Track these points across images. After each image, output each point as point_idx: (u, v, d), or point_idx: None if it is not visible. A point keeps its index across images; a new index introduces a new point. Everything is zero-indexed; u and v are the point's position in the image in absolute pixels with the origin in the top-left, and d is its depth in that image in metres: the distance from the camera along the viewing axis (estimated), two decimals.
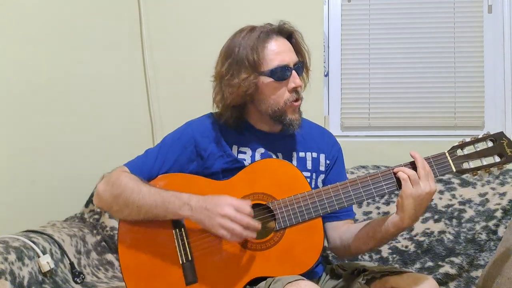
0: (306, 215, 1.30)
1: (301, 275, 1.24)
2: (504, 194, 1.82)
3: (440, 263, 1.77)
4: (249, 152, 1.43)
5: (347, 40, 2.24)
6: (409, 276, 1.25)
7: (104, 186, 1.37)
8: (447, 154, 1.29)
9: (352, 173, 1.94)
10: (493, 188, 1.85)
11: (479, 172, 1.29)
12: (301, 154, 1.46)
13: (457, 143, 1.31)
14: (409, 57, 2.21)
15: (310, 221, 1.30)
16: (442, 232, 1.81)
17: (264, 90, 1.36)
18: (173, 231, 1.34)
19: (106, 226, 1.95)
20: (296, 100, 1.38)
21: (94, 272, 1.81)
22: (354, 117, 2.25)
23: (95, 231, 1.95)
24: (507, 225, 1.76)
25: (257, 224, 1.23)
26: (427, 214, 1.84)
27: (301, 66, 1.39)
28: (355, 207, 1.86)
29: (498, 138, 1.29)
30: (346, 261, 1.74)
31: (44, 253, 1.59)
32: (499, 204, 1.81)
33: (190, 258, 1.31)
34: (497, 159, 1.28)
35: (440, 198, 1.86)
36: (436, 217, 1.84)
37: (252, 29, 1.38)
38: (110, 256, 1.92)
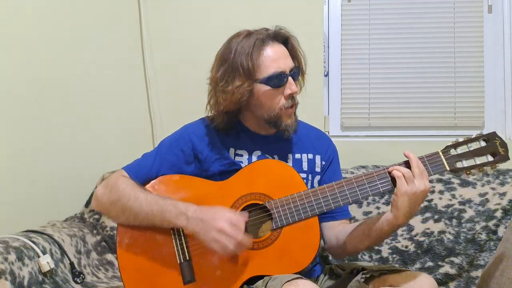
0: (302, 214, 1.31)
1: (299, 274, 1.24)
2: (504, 194, 1.82)
3: (440, 263, 1.77)
4: (245, 154, 1.44)
5: (347, 40, 2.24)
6: (408, 274, 1.25)
7: (103, 190, 1.38)
8: (440, 153, 1.31)
9: (352, 173, 1.93)
10: (493, 188, 1.85)
11: (472, 171, 1.30)
12: (297, 155, 1.47)
13: (450, 143, 1.33)
14: (409, 57, 2.21)
15: (306, 220, 1.31)
16: (442, 232, 1.81)
17: (260, 97, 1.36)
18: (171, 231, 1.34)
19: (106, 226, 1.95)
20: (291, 107, 1.38)
21: (94, 272, 1.81)
22: (354, 117, 2.25)
23: (95, 231, 1.95)
24: (507, 225, 1.76)
25: (249, 242, 1.25)
26: (427, 214, 1.84)
27: (297, 72, 1.39)
28: (355, 207, 1.87)
29: (491, 138, 1.31)
30: (346, 261, 1.74)
31: (44, 253, 1.59)
32: (499, 204, 1.81)
33: (188, 258, 1.32)
34: (490, 158, 1.30)
35: (440, 198, 1.86)
36: (436, 217, 1.84)
37: (248, 34, 1.37)
38: (110, 256, 1.92)
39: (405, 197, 1.23)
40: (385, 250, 1.82)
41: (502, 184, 1.84)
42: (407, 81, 2.21)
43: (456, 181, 1.88)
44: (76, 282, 1.69)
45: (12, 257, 1.46)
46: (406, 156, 1.28)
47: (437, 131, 2.21)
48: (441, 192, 1.87)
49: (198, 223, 1.26)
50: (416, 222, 1.83)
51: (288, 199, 1.32)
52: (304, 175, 1.44)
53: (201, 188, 1.37)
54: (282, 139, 1.44)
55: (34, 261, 1.55)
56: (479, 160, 1.30)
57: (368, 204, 1.88)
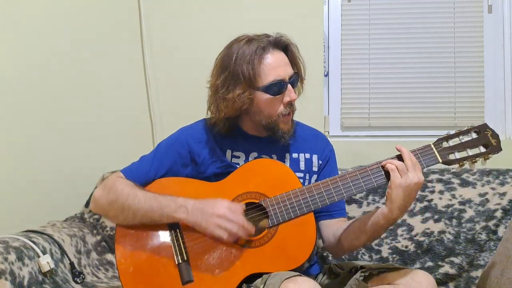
0: (298, 210, 1.32)
1: (298, 272, 1.25)
2: (504, 194, 1.82)
3: (440, 263, 1.77)
4: (242, 156, 1.45)
5: (347, 40, 2.24)
6: (406, 272, 1.26)
7: (101, 192, 1.40)
8: (432, 146, 1.32)
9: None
10: (493, 188, 1.85)
11: (465, 162, 1.31)
12: (294, 155, 1.48)
13: (442, 136, 1.34)
14: (409, 57, 2.21)
15: (302, 216, 1.32)
16: (442, 232, 1.81)
17: (259, 104, 1.38)
18: (169, 232, 1.36)
19: (106, 226, 1.95)
20: (289, 114, 1.40)
21: (94, 272, 1.81)
22: (354, 117, 2.25)
23: (95, 231, 1.95)
24: (507, 225, 1.76)
25: (251, 225, 1.28)
26: (427, 214, 1.84)
27: (296, 79, 1.41)
28: (355, 207, 1.87)
29: (482, 129, 1.32)
30: (345, 261, 1.74)
31: (44, 253, 1.59)
32: (499, 204, 1.81)
33: (186, 258, 1.32)
34: (483, 149, 1.31)
35: (440, 198, 1.86)
36: (436, 217, 1.84)
37: (249, 40, 1.37)
38: (110, 256, 1.92)
39: (399, 190, 1.24)
40: (385, 250, 1.82)
41: (502, 184, 1.84)
42: (407, 81, 2.21)
43: (456, 181, 1.88)
44: (76, 282, 1.69)
45: (12, 257, 1.46)
46: (398, 150, 1.30)
47: (437, 131, 2.21)
48: (441, 192, 1.87)
49: (198, 213, 1.29)
50: (416, 222, 1.84)
51: (284, 197, 1.33)
52: (301, 175, 1.46)
53: (197, 189, 1.38)
54: (279, 140, 1.44)
55: (34, 261, 1.55)
56: (471, 152, 1.31)
57: (368, 204, 1.88)
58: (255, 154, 1.45)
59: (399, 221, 1.50)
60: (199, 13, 2.23)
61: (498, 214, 1.80)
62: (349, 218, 1.59)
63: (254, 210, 1.35)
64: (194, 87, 2.19)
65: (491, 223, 1.79)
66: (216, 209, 1.28)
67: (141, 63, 2.26)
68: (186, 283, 1.31)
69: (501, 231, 1.77)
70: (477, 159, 1.31)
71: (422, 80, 2.20)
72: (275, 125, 1.40)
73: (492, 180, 1.86)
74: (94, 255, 1.88)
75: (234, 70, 1.35)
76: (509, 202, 1.80)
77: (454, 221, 1.82)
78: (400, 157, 1.29)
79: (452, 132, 1.34)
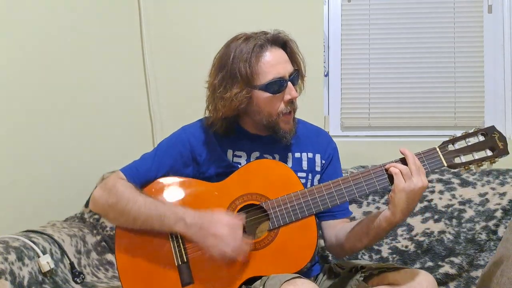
0: (299, 213, 1.31)
1: (298, 273, 1.24)
2: (504, 194, 1.82)
3: (440, 263, 1.77)
4: (244, 156, 1.44)
5: (347, 40, 2.24)
6: (407, 271, 1.26)
7: (100, 192, 1.38)
8: (437, 149, 1.30)
9: (352, 173, 1.93)
10: (493, 188, 1.85)
11: (471, 166, 1.28)
12: (297, 154, 1.46)
13: (447, 138, 1.31)
14: (409, 57, 2.21)
15: (303, 219, 1.31)
16: (442, 232, 1.81)
17: (258, 102, 1.35)
18: (169, 233, 1.34)
19: (106, 226, 1.95)
20: (290, 112, 1.38)
21: (94, 272, 1.81)
22: (354, 117, 2.25)
23: (95, 231, 1.95)
24: (507, 225, 1.76)
25: (247, 248, 1.26)
26: (427, 214, 1.84)
27: (297, 76, 1.38)
28: (355, 207, 1.87)
29: (489, 132, 1.29)
30: (345, 260, 1.74)
31: (44, 253, 1.59)
32: (499, 204, 1.81)
33: (185, 260, 1.32)
34: (489, 152, 1.28)
35: (440, 198, 1.86)
36: (436, 217, 1.84)
37: (247, 38, 1.35)
38: (110, 256, 1.92)
39: (402, 194, 1.22)
40: (385, 250, 1.82)
41: (502, 184, 1.84)
42: (407, 81, 2.21)
43: (456, 181, 1.88)
44: (76, 282, 1.69)
45: (12, 257, 1.46)
46: (402, 153, 1.28)
47: (437, 131, 2.21)
48: (441, 192, 1.87)
49: (196, 230, 1.27)
50: (416, 222, 1.84)
51: (285, 199, 1.32)
52: (304, 174, 1.44)
53: (198, 189, 1.37)
54: (280, 140, 1.43)
55: (34, 261, 1.55)
56: (477, 155, 1.28)
57: (368, 204, 1.88)
58: (257, 153, 1.43)
59: None
60: (199, 13, 2.23)
61: (498, 214, 1.80)
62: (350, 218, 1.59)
63: (255, 212, 1.34)
64: (194, 87, 2.18)
65: (491, 223, 1.79)
66: (214, 228, 1.25)
67: (141, 63, 2.26)
68: (186, 285, 1.31)
69: (501, 231, 1.77)
70: (483, 162, 1.28)
71: (422, 80, 2.20)
72: (276, 125, 1.37)
73: (492, 180, 1.86)
74: (94, 255, 1.88)
75: (231, 69, 1.33)
76: (509, 202, 1.80)
77: (454, 221, 1.82)
78: (404, 160, 1.27)
79: (458, 134, 1.31)
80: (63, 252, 1.70)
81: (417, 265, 1.79)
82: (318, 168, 1.48)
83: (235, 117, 1.42)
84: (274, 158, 1.44)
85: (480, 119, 2.18)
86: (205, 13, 2.23)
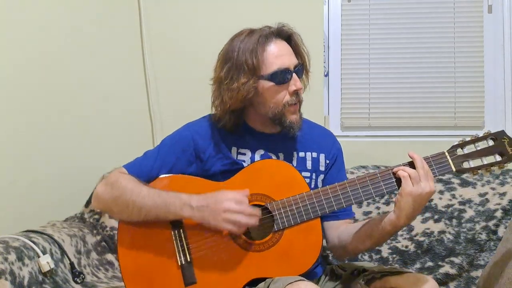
0: (304, 216, 1.30)
1: (300, 275, 1.24)
2: (504, 194, 1.82)
3: (440, 263, 1.77)
4: (248, 153, 1.43)
5: (347, 40, 2.24)
6: (409, 276, 1.25)
7: (103, 188, 1.37)
8: (446, 154, 1.29)
9: (352, 173, 1.93)
10: (493, 188, 1.85)
11: (479, 171, 1.27)
12: (301, 154, 1.46)
13: (457, 142, 1.30)
14: (409, 57, 2.21)
15: (308, 222, 1.30)
16: (442, 232, 1.81)
17: (264, 93, 1.35)
18: (172, 232, 1.34)
19: (106, 226, 1.95)
20: (295, 104, 1.37)
21: (94, 272, 1.81)
22: (354, 117, 2.25)
23: (95, 231, 1.95)
24: (507, 225, 1.76)
25: (257, 212, 1.26)
26: (427, 214, 1.84)
27: (301, 69, 1.38)
28: (355, 207, 1.86)
29: (499, 136, 1.28)
30: (346, 262, 1.74)
31: (44, 253, 1.59)
32: (499, 204, 1.81)
33: (189, 259, 1.32)
34: (498, 158, 1.27)
35: (440, 198, 1.86)
36: (436, 217, 1.84)
37: (251, 32, 1.36)
38: (110, 256, 1.92)
39: (409, 198, 1.22)
40: (385, 250, 1.82)
41: (502, 184, 1.84)
42: (407, 81, 2.21)
43: (456, 181, 1.88)
44: (76, 282, 1.69)
45: (12, 257, 1.46)
46: (410, 157, 1.27)
47: (437, 131, 2.21)
48: (441, 192, 1.87)
49: (204, 210, 1.26)
50: (416, 222, 1.83)
51: (290, 201, 1.31)
52: (308, 174, 1.44)
53: (202, 188, 1.35)
54: (286, 138, 1.43)
55: (34, 261, 1.55)
56: (486, 160, 1.27)
57: (368, 204, 1.88)
58: (261, 151, 1.42)
59: None
60: (199, 13, 2.23)
61: (498, 214, 1.80)
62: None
63: (260, 213, 1.33)
64: (194, 86, 2.19)
65: (491, 223, 1.79)
66: (221, 204, 1.25)
67: (141, 63, 2.26)
68: (189, 284, 1.30)
69: (501, 231, 1.77)
70: (492, 168, 1.26)
71: (422, 80, 2.20)
72: (282, 116, 1.36)
73: (492, 180, 1.86)
74: (94, 255, 1.87)
75: (237, 60, 1.33)
76: (509, 202, 1.80)
77: (454, 221, 1.82)
78: (412, 164, 1.26)
79: (468, 138, 1.29)
80: (63, 252, 1.70)
81: (417, 265, 1.79)
82: (322, 168, 1.47)
83: (241, 112, 1.41)
84: (278, 156, 1.43)
85: (480, 119, 2.18)
86: (205, 13, 2.23)
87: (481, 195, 1.84)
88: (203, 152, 1.42)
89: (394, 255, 1.81)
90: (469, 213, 1.82)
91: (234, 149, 1.43)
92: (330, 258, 1.81)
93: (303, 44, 1.41)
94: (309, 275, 1.33)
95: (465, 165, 1.28)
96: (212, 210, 1.25)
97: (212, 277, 1.30)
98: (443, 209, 1.84)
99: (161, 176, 1.40)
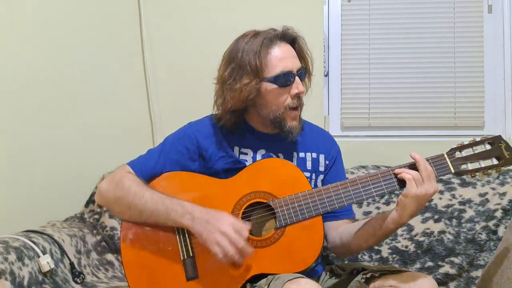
0: (306, 213, 1.31)
1: (301, 273, 1.25)
2: (504, 194, 1.82)
3: (440, 263, 1.77)
4: (250, 153, 1.44)
5: (347, 40, 2.24)
6: (408, 275, 1.26)
7: (107, 185, 1.39)
8: (445, 156, 1.31)
9: (352, 173, 1.94)
10: (493, 188, 1.85)
11: (477, 174, 1.30)
12: (301, 154, 1.47)
13: (455, 145, 1.32)
14: (409, 57, 2.21)
15: (310, 219, 1.31)
16: (442, 232, 1.81)
17: (266, 95, 1.37)
18: (175, 227, 1.35)
19: (106, 226, 1.95)
20: (296, 108, 1.39)
21: (94, 272, 1.81)
22: (354, 117, 2.25)
23: (95, 231, 1.95)
24: (507, 225, 1.76)
25: (250, 251, 1.26)
26: (427, 214, 1.84)
27: (304, 72, 1.40)
28: (355, 207, 1.86)
29: (496, 141, 1.31)
30: (346, 262, 1.74)
31: (44, 253, 1.59)
32: (499, 204, 1.81)
33: (191, 254, 1.33)
34: (495, 161, 1.30)
35: (440, 198, 1.86)
36: (436, 217, 1.84)
37: (256, 34, 1.38)
38: (110, 256, 1.92)
39: (413, 199, 1.24)
40: (385, 250, 1.82)
41: (502, 184, 1.84)
42: (407, 81, 2.21)
43: (456, 181, 1.88)
44: (76, 282, 1.69)
45: (12, 257, 1.46)
46: (412, 158, 1.28)
47: (437, 131, 2.21)
48: (441, 192, 1.87)
49: (203, 224, 1.27)
50: (416, 222, 1.84)
51: (292, 198, 1.32)
52: (307, 174, 1.45)
53: (206, 185, 1.38)
54: (286, 138, 1.44)
55: (34, 261, 1.55)
56: (484, 163, 1.30)
57: (368, 204, 1.88)
58: (262, 151, 1.44)
59: None
60: (199, 13, 2.23)
61: (498, 214, 1.80)
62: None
63: (262, 210, 1.35)
64: (194, 87, 2.20)
65: (491, 223, 1.79)
66: (221, 225, 1.25)
67: (141, 63, 2.26)
68: (190, 279, 1.31)
69: (501, 231, 1.77)
70: (489, 171, 1.29)
71: (422, 80, 2.20)
72: (282, 120, 1.38)
73: (492, 180, 1.86)
74: (94, 255, 1.88)
75: (241, 61, 1.35)
76: (509, 202, 1.80)
77: (454, 221, 1.82)
78: (413, 165, 1.28)
79: (466, 142, 1.32)
80: (63, 252, 1.70)
81: (417, 265, 1.79)
82: (321, 169, 1.49)
83: (242, 112, 1.43)
84: (278, 156, 1.44)
85: (480, 119, 2.18)
86: (205, 13, 2.23)
87: (481, 195, 1.84)
88: (205, 150, 1.43)
89: (394, 255, 1.81)
90: (469, 213, 1.82)
91: (236, 149, 1.44)
92: (330, 258, 1.81)
93: (307, 48, 1.43)
94: (309, 274, 1.33)
95: (463, 167, 1.30)
96: (210, 226, 1.26)
97: (214, 273, 1.31)
98: (443, 209, 1.84)
99: (165, 173, 1.41)
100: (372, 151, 2.13)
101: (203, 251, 1.32)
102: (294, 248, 1.30)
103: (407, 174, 1.26)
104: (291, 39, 1.40)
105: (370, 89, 2.23)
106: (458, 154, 1.31)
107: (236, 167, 1.40)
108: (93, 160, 2.13)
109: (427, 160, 1.29)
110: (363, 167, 1.97)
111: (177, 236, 1.34)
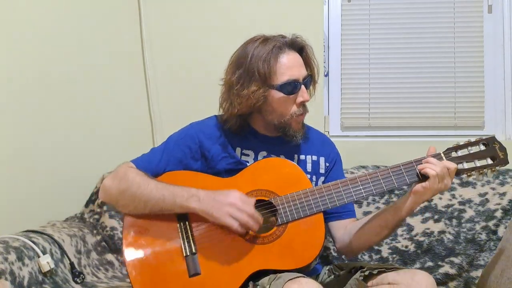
0: (307, 210, 1.33)
1: (301, 272, 1.25)
2: (504, 194, 1.82)
3: (440, 263, 1.77)
4: (252, 154, 1.46)
5: (347, 40, 2.24)
6: (406, 272, 1.27)
7: (111, 181, 1.40)
8: (442, 155, 1.33)
9: (352, 173, 1.93)
10: (493, 188, 1.85)
11: (473, 173, 1.34)
12: (302, 156, 1.49)
13: (451, 146, 1.35)
14: (409, 57, 2.21)
15: (311, 216, 1.33)
16: (442, 232, 1.81)
17: (272, 102, 1.39)
18: (178, 224, 1.36)
19: (106, 226, 1.95)
20: (302, 114, 1.41)
21: (94, 272, 1.81)
22: (354, 117, 2.25)
23: (95, 231, 1.95)
24: (507, 225, 1.76)
25: (261, 217, 1.29)
26: (427, 214, 1.84)
27: (310, 80, 1.42)
28: (355, 207, 1.86)
29: (490, 142, 1.34)
30: (345, 262, 1.74)
31: (44, 253, 1.59)
32: (499, 204, 1.81)
33: (194, 251, 1.33)
34: (490, 161, 1.33)
35: (440, 198, 1.86)
36: (436, 217, 1.84)
37: (265, 40, 1.39)
38: (110, 256, 1.92)
39: (432, 192, 1.29)
40: (385, 250, 1.82)
41: (502, 184, 1.84)
42: (407, 81, 2.21)
43: (456, 181, 1.88)
44: (76, 282, 1.69)
45: (12, 257, 1.46)
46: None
47: (437, 131, 2.21)
48: (441, 192, 1.86)
49: (210, 201, 1.29)
50: (416, 222, 1.84)
51: (294, 196, 1.34)
52: (308, 176, 1.46)
53: (208, 183, 1.39)
54: (287, 141, 1.45)
55: (34, 261, 1.55)
56: (479, 163, 1.33)
57: (368, 204, 1.89)
58: (264, 153, 1.46)
59: None
60: (199, 13, 2.23)
61: (498, 214, 1.80)
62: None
63: (264, 207, 1.36)
64: (194, 87, 2.20)
65: (491, 223, 1.79)
66: (228, 198, 1.28)
67: (141, 63, 2.26)
68: (193, 275, 1.32)
69: (501, 231, 1.77)
70: (484, 170, 1.33)
71: (422, 80, 2.20)
72: (287, 125, 1.41)
73: (492, 180, 1.86)
74: (94, 255, 1.88)
75: (249, 67, 1.36)
76: (509, 202, 1.81)
77: (454, 221, 1.82)
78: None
79: (461, 142, 1.35)
80: (63, 252, 1.70)
81: (417, 265, 1.79)
82: (322, 171, 1.51)
83: (248, 116, 1.46)
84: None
85: (480, 119, 2.18)
86: (205, 13, 2.23)
87: (481, 195, 1.84)
88: (208, 150, 1.45)
89: (394, 255, 1.81)
90: (469, 213, 1.82)
91: (238, 150, 1.46)
92: (330, 258, 1.81)
93: (314, 56, 1.45)
94: (309, 273, 1.34)
95: (460, 166, 1.33)
96: (218, 202, 1.29)
97: (216, 269, 1.31)
98: (443, 209, 1.84)
99: (168, 171, 1.43)
100: (372, 151, 2.13)
101: (206, 247, 1.33)
102: (295, 245, 1.32)
103: (431, 170, 1.27)
104: (299, 47, 1.42)
105: (370, 89, 2.23)
106: (454, 154, 1.34)
107: (238, 168, 1.42)
108: (93, 160, 2.13)
109: (424, 158, 1.32)
110: (363, 167, 1.97)
111: (180, 232, 1.35)
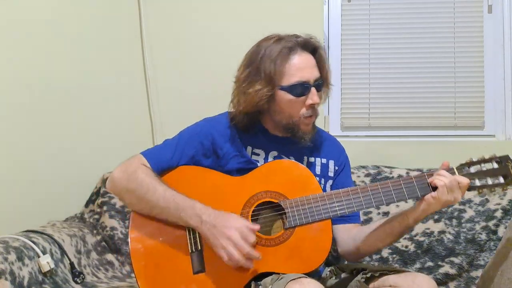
0: (316, 216, 1.32)
1: (305, 273, 1.25)
2: (504, 194, 1.82)
3: (440, 263, 1.77)
4: (262, 154, 1.45)
5: (347, 40, 2.24)
6: (408, 275, 1.26)
7: (121, 174, 1.39)
8: (455, 170, 1.32)
9: (353, 173, 1.93)
10: None
11: (484, 190, 1.32)
12: (311, 159, 1.48)
13: (464, 162, 1.34)
14: (409, 57, 2.21)
15: (320, 222, 1.32)
16: (442, 232, 1.81)
17: (280, 103, 1.38)
18: None
19: (106, 226, 1.95)
20: (311, 116, 1.40)
21: (94, 272, 1.81)
22: (354, 117, 2.25)
23: (95, 231, 1.95)
24: (507, 225, 1.76)
25: (257, 256, 1.26)
26: None
27: (321, 83, 1.40)
28: None
29: (503, 160, 1.32)
30: (346, 263, 1.74)
31: (44, 253, 1.59)
32: (499, 204, 1.81)
33: (199, 248, 1.33)
34: (502, 180, 1.31)
35: None
36: (436, 217, 1.84)
37: (278, 39, 1.38)
38: (110, 256, 1.92)
39: (441, 204, 1.27)
40: (385, 250, 1.82)
41: None
42: (407, 81, 2.21)
43: None
44: (76, 282, 1.69)
45: (12, 257, 1.46)
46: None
47: (437, 131, 2.21)
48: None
49: (209, 228, 1.28)
50: None
51: (303, 200, 1.33)
52: (317, 179, 1.44)
53: (219, 181, 1.39)
54: (298, 142, 1.44)
55: (34, 261, 1.55)
56: (491, 181, 1.32)
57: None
58: (275, 153, 1.45)
59: None
60: (199, 14, 2.23)
61: (498, 214, 1.80)
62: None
63: (272, 210, 1.36)
64: (194, 87, 2.20)
65: (491, 223, 1.79)
66: (227, 230, 1.26)
67: (141, 63, 2.26)
68: (197, 272, 1.32)
69: (501, 231, 1.77)
70: (496, 188, 1.31)
71: (422, 80, 2.20)
72: (296, 126, 1.40)
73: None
74: (94, 255, 1.88)
75: (257, 66, 1.36)
76: (509, 202, 1.81)
77: (454, 221, 1.82)
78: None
79: (474, 159, 1.34)
80: (63, 252, 1.70)
81: (417, 265, 1.79)
82: (331, 174, 1.50)
83: (257, 115, 1.44)
84: (289, 159, 1.45)
85: (480, 119, 2.18)
86: (205, 13, 2.23)
87: (481, 195, 1.84)
88: (220, 148, 1.44)
89: (394, 255, 1.81)
90: (469, 213, 1.82)
91: (249, 148, 1.45)
92: (330, 258, 1.81)
93: (327, 59, 1.44)
94: (311, 274, 1.33)
95: (472, 182, 1.31)
96: (217, 230, 1.27)
97: (220, 268, 1.30)
98: (443, 209, 1.84)
99: (180, 166, 1.42)
100: (372, 151, 2.13)
101: None
102: (302, 250, 1.31)
103: (440, 181, 1.26)
104: (312, 48, 1.40)
105: (370, 89, 2.23)
106: (466, 170, 1.33)
107: (248, 167, 1.41)
108: (93, 160, 2.13)
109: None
110: (363, 167, 1.97)
111: (186, 229, 1.35)
